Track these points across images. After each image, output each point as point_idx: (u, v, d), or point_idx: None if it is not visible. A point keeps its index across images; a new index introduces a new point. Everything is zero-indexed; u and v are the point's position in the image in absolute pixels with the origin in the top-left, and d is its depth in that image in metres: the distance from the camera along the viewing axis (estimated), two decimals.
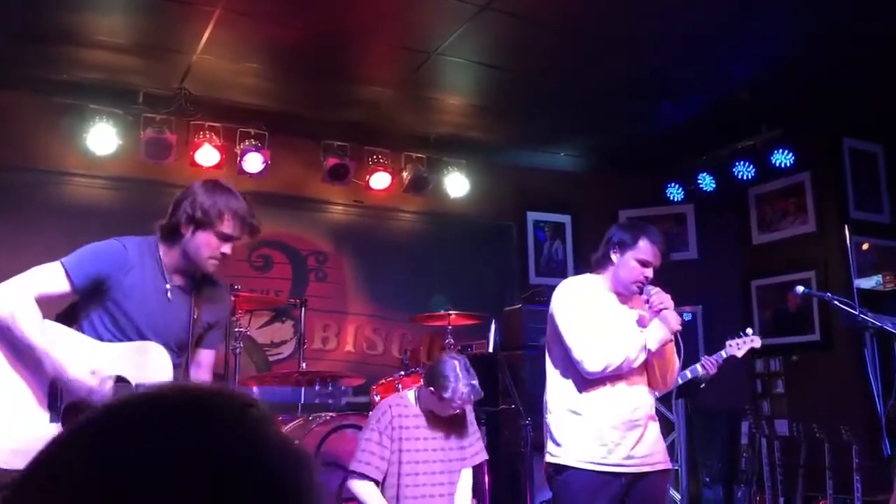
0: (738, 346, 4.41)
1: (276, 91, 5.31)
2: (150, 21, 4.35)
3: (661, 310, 2.94)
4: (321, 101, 5.45)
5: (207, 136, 5.30)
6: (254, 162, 5.38)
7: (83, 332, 2.45)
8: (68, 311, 2.52)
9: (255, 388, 4.74)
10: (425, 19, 4.36)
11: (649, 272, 2.99)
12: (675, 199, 6.19)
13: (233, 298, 4.29)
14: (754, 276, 6.16)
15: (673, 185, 6.15)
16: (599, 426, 2.90)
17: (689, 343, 5.52)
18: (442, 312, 5.07)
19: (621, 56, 4.79)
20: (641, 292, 2.99)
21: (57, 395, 2.35)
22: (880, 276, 5.33)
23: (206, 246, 2.49)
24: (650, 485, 2.96)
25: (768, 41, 4.62)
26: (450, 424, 3.44)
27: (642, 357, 2.92)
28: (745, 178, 5.77)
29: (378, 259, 6.04)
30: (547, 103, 5.52)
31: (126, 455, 0.58)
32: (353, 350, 5.88)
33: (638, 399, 2.97)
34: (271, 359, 5.64)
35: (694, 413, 5.68)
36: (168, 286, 2.54)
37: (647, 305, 3.00)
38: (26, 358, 2.31)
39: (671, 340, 2.99)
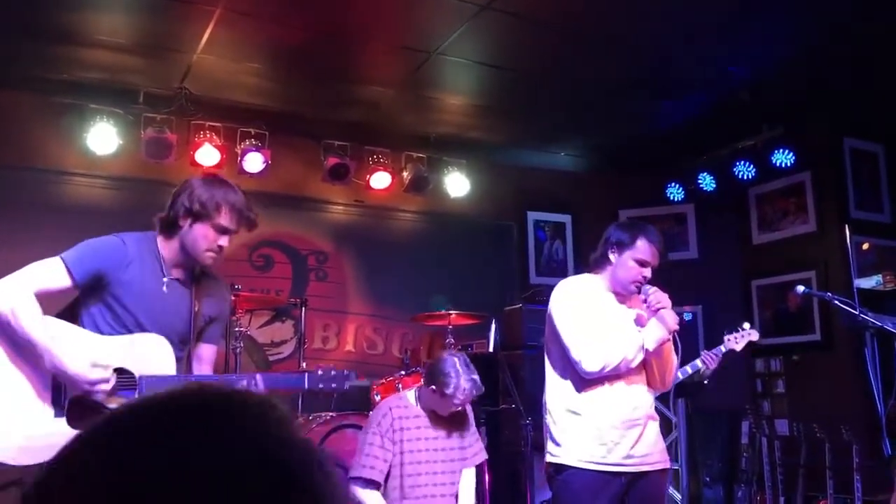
0: (737, 340, 4.41)
1: (276, 91, 5.31)
2: (151, 20, 4.35)
3: (658, 309, 2.94)
4: (322, 101, 5.45)
5: (208, 135, 5.30)
6: (254, 162, 5.38)
7: (83, 327, 2.46)
8: (69, 309, 2.52)
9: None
10: (426, 19, 4.36)
11: (647, 272, 2.99)
12: (676, 199, 6.19)
13: (233, 298, 4.29)
14: (754, 275, 6.16)
15: (673, 184, 6.15)
16: (599, 426, 2.90)
17: (690, 343, 5.55)
18: (442, 312, 5.07)
19: (622, 56, 4.79)
20: (640, 292, 2.99)
21: (60, 389, 2.36)
22: (880, 275, 5.33)
23: (203, 238, 2.50)
24: (650, 484, 2.96)
25: (768, 41, 4.62)
26: (451, 424, 3.44)
27: (640, 357, 2.92)
28: (745, 177, 5.77)
29: (378, 259, 6.04)
30: (547, 103, 5.52)
31: (144, 456, 0.58)
32: (353, 350, 5.89)
33: (637, 398, 2.97)
34: (271, 358, 5.64)
35: (694, 413, 5.68)
36: (166, 279, 2.55)
37: (644, 305, 3.00)
38: (27, 353, 2.31)
39: (669, 340, 2.99)
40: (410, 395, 3.50)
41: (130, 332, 2.47)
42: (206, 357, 2.71)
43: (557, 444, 2.98)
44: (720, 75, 5.02)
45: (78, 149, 5.09)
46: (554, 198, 6.79)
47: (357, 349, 5.91)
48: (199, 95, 5.20)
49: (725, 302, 6.14)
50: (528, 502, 4.67)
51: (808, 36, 4.58)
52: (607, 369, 2.88)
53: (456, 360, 3.29)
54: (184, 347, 2.60)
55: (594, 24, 4.40)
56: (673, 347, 3.06)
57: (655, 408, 3.18)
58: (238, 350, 4.53)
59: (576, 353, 2.91)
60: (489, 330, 5.26)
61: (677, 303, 2.98)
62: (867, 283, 5.32)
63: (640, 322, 3.04)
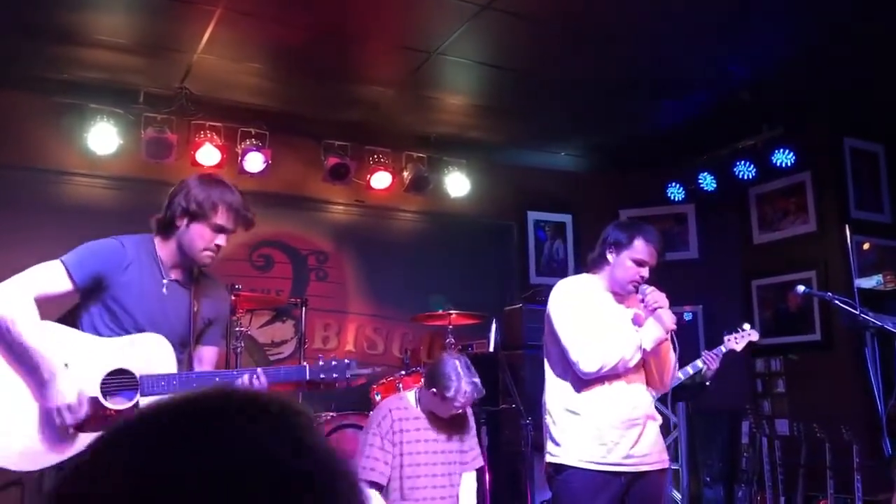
0: (737, 341, 4.41)
1: (276, 91, 5.31)
2: (151, 20, 4.35)
3: (656, 308, 2.94)
4: (322, 101, 5.45)
5: (208, 135, 5.30)
6: (255, 161, 5.38)
7: (83, 330, 2.45)
8: (70, 313, 2.52)
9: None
10: (426, 19, 4.36)
11: (645, 271, 2.99)
12: (676, 199, 6.19)
13: (233, 298, 4.30)
14: (755, 275, 6.15)
15: (674, 184, 6.15)
16: (598, 425, 2.90)
17: (690, 342, 5.56)
18: (442, 312, 5.07)
19: (622, 56, 4.79)
20: (637, 291, 2.99)
21: None
22: (881, 275, 5.34)
23: (200, 238, 2.50)
24: (649, 484, 2.96)
25: (768, 41, 4.62)
26: (451, 426, 3.44)
27: (638, 356, 2.93)
28: (745, 177, 5.77)
29: (379, 258, 6.04)
30: (548, 103, 5.52)
31: (165, 458, 0.57)
32: (353, 349, 5.88)
33: (636, 397, 2.97)
34: (272, 358, 5.64)
35: (695, 413, 5.68)
36: (166, 281, 2.55)
37: (642, 304, 3.00)
38: (27, 359, 2.30)
39: (667, 339, 2.99)
40: (411, 396, 3.49)
41: (129, 333, 2.46)
42: (207, 359, 2.70)
43: (557, 444, 2.98)
44: (720, 75, 5.02)
45: (78, 149, 5.09)
46: (554, 198, 6.79)
47: (357, 349, 5.91)
48: (200, 95, 5.20)
49: (726, 302, 6.14)
50: (528, 502, 4.67)
51: (808, 36, 4.57)
52: (605, 369, 2.88)
53: (457, 362, 3.28)
54: (184, 350, 2.59)
55: (594, 24, 4.40)
56: (671, 347, 3.05)
57: (656, 407, 3.18)
58: (238, 350, 4.53)
59: (574, 353, 2.91)
60: (489, 330, 5.26)
61: (678, 303, 2.98)
62: (867, 282, 5.32)
63: (637, 322, 3.04)
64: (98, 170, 5.22)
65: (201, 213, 2.48)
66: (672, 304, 2.97)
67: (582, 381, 2.94)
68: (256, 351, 5.57)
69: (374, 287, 6.02)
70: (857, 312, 3.37)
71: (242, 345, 4.61)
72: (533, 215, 6.71)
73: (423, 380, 3.50)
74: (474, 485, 3.51)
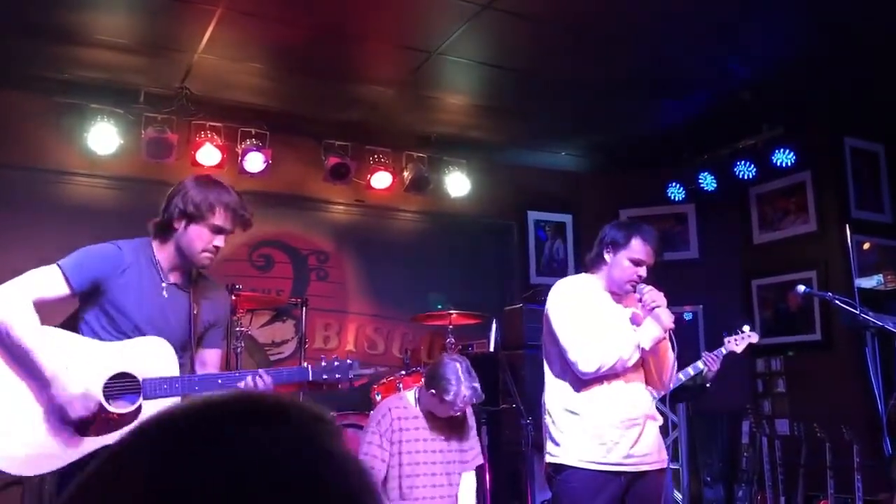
0: (737, 342, 4.41)
1: (277, 90, 5.31)
2: (152, 20, 4.35)
3: (653, 308, 2.94)
4: (322, 101, 5.45)
5: (208, 135, 5.30)
6: (255, 161, 5.39)
7: (82, 334, 2.45)
8: (71, 318, 2.51)
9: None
10: (426, 19, 4.36)
11: (642, 271, 2.99)
12: (676, 199, 6.19)
13: (234, 298, 4.30)
14: (755, 275, 6.15)
15: (674, 184, 6.15)
16: (598, 425, 2.90)
17: (691, 342, 5.57)
18: (443, 312, 5.07)
19: (622, 55, 4.79)
20: (635, 291, 2.99)
21: None
22: (881, 275, 5.34)
23: (198, 239, 2.50)
24: (649, 484, 2.96)
25: (768, 41, 4.62)
26: (450, 426, 3.44)
27: (636, 356, 2.93)
28: (746, 177, 5.77)
29: (379, 258, 6.04)
30: (548, 102, 5.52)
31: (183, 462, 0.57)
32: (354, 349, 5.88)
33: (635, 397, 2.98)
34: (272, 358, 5.64)
35: (695, 413, 5.68)
36: (165, 284, 2.55)
37: (640, 304, 3.00)
38: (27, 363, 2.30)
39: (665, 338, 2.99)
40: (410, 395, 3.50)
41: (129, 337, 2.46)
42: (209, 362, 2.70)
43: (557, 444, 2.98)
44: (721, 75, 5.02)
45: (78, 149, 5.09)
46: (554, 197, 6.79)
47: (358, 349, 5.91)
48: (200, 95, 5.20)
49: (726, 302, 6.14)
50: (528, 502, 4.67)
51: (808, 36, 4.57)
52: (603, 369, 2.88)
53: (458, 366, 3.28)
54: (184, 353, 2.58)
55: (594, 24, 4.40)
56: (670, 346, 3.05)
57: (656, 407, 3.18)
58: (239, 350, 4.53)
59: (572, 353, 2.91)
60: (489, 330, 5.27)
61: (678, 302, 2.98)
62: (868, 282, 5.32)
63: (635, 321, 3.04)
64: (98, 170, 5.22)
65: (199, 214, 2.48)
66: (672, 304, 2.98)
67: (581, 381, 2.94)
68: (257, 351, 5.56)
69: (374, 287, 6.02)
70: (858, 312, 3.38)
71: (243, 345, 4.61)
72: (533, 215, 6.71)
73: (423, 380, 3.50)
74: (474, 485, 3.51)
